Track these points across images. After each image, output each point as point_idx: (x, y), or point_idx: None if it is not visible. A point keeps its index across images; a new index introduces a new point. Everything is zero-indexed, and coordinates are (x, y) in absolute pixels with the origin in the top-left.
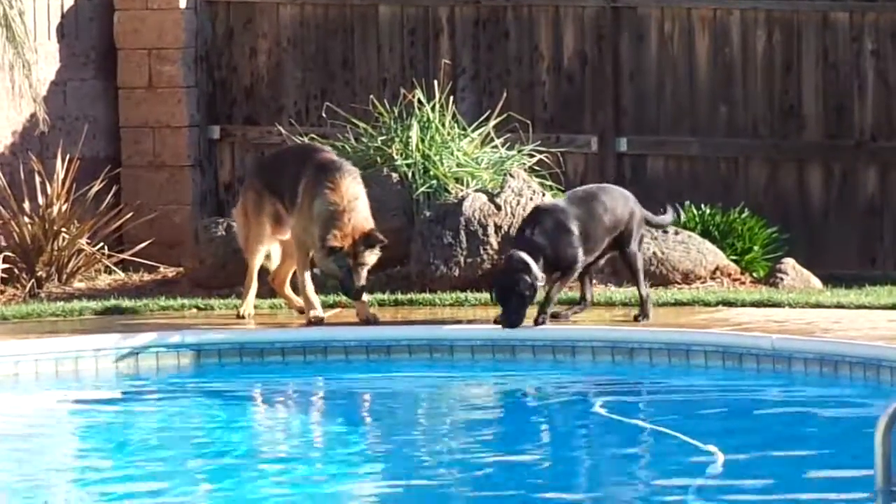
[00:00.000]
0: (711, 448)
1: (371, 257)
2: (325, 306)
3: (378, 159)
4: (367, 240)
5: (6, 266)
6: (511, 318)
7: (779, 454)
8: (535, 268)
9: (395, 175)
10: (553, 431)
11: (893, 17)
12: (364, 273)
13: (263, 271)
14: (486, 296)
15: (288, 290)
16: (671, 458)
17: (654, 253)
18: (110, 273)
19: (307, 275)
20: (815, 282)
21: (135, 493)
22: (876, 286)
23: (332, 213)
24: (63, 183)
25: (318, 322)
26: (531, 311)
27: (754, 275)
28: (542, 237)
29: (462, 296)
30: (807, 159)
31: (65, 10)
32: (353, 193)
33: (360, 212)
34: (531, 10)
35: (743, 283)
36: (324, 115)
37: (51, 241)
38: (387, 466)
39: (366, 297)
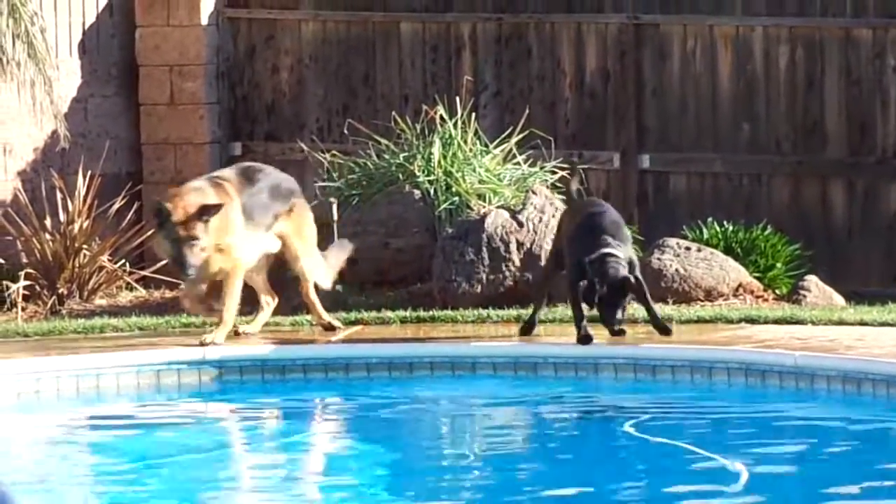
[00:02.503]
0: (738, 465)
1: (200, 231)
2: (347, 323)
3: (400, 176)
4: (198, 210)
5: (28, 283)
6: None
7: (802, 472)
8: None
9: (417, 192)
10: (577, 449)
11: None
12: (195, 249)
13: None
14: (508, 312)
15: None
16: (697, 475)
17: (677, 270)
18: (132, 290)
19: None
20: (838, 299)
21: None
22: None
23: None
24: (84, 200)
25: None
26: (550, 328)
27: (777, 292)
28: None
29: (484, 312)
30: (829, 176)
31: (86, 26)
32: (197, 183)
33: (193, 193)
34: (553, 27)
35: (766, 300)
36: (346, 131)
37: (72, 257)
38: (409, 484)
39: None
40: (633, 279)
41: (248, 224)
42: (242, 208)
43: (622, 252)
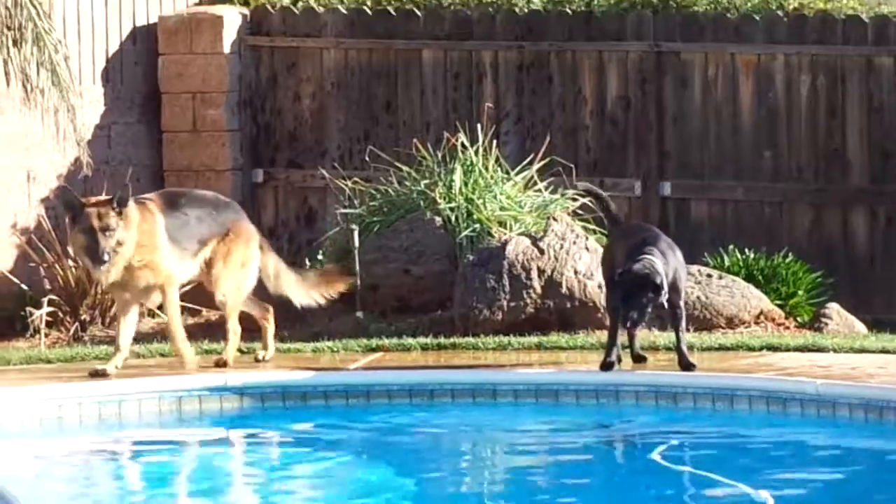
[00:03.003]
0: (763, 494)
1: (112, 220)
2: (367, 350)
3: (421, 203)
4: (111, 197)
5: (51, 309)
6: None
7: (824, 499)
8: None
9: (438, 219)
10: (597, 477)
11: None
12: (110, 239)
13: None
14: (529, 339)
15: None
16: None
17: (698, 297)
18: (153, 316)
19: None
20: (860, 326)
21: None
22: None
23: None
24: None
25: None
26: (571, 355)
27: (798, 319)
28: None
29: (505, 340)
30: (851, 204)
31: (110, 54)
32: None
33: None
34: (574, 55)
35: (787, 327)
36: (367, 158)
37: (94, 284)
38: None
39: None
40: (658, 283)
41: (173, 246)
42: (166, 228)
43: (663, 264)
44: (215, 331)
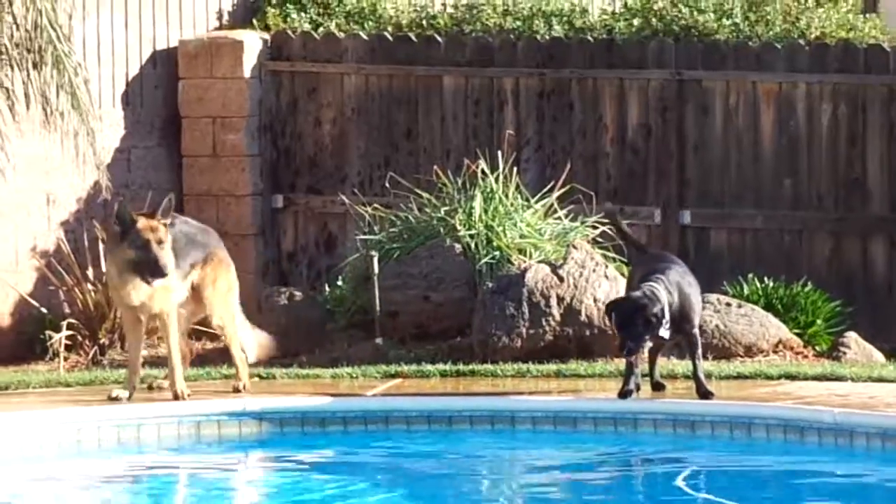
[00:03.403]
0: None
1: (163, 231)
2: (386, 376)
3: (441, 230)
4: (154, 208)
5: (70, 333)
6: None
7: None
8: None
9: (457, 246)
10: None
11: None
12: (163, 251)
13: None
14: (548, 367)
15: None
16: None
17: (717, 326)
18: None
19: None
20: (878, 356)
21: None
22: None
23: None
24: None
25: (116, 400)
26: (590, 383)
27: (817, 348)
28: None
29: (524, 367)
30: (871, 233)
31: (130, 78)
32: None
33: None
34: (595, 82)
35: (805, 356)
36: (387, 184)
37: (114, 308)
38: None
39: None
40: (655, 311)
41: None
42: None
43: (667, 293)
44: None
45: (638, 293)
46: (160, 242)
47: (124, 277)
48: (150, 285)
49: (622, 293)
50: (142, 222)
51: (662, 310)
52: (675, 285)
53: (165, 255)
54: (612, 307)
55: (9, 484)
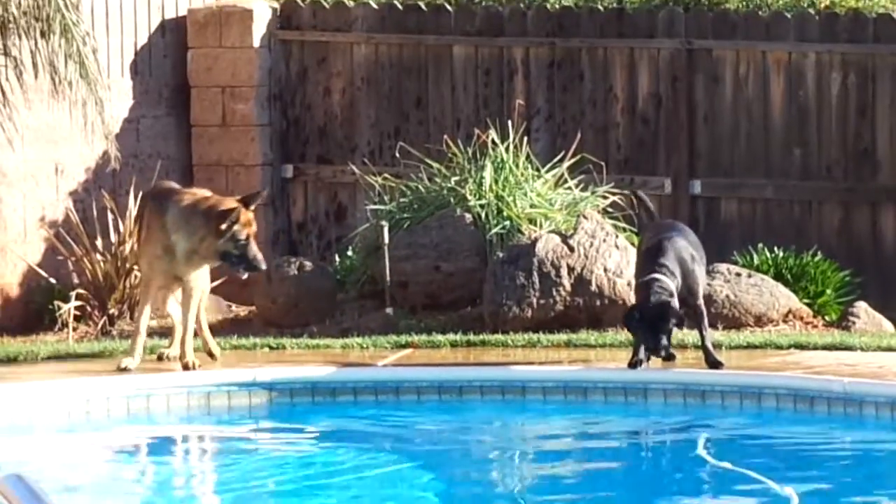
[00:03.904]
0: (788, 490)
1: (254, 223)
2: (397, 346)
3: (451, 200)
4: (250, 200)
5: (79, 303)
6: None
7: (850, 498)
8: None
9: (468, 215)
10: (622, 474)
11: None
12: (255, 244)
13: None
14: (558, 336)
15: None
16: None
17: (727, 296)
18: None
19: (141, 317)
20: (888, 325)
21: None
22: None
23: (195, 202)
24: (135, 220)
25: (125, 370)
26: (600, 353)
27: (826, 318)
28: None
29: (535, 337)
30: (880, 202)
31: (138, 47)
32: (198, 189)
33: (216, 194)
34: (606, 52)
35: (815, 326)
36: (397, 154)
37: (123, 278)
38: None
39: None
40: (674, 305)
41: None
42: None
43: (672, 280)
44: (243, 326)
45: (654, 297)
46: (255, 237)
47: (196, 259)
48: (240, 276)
49: (632, 262)
50: (243, 216)
51: (676, 302)
52: (677, 263)
53: (257, 249)
54: (637, 316)
55: (18, 454)
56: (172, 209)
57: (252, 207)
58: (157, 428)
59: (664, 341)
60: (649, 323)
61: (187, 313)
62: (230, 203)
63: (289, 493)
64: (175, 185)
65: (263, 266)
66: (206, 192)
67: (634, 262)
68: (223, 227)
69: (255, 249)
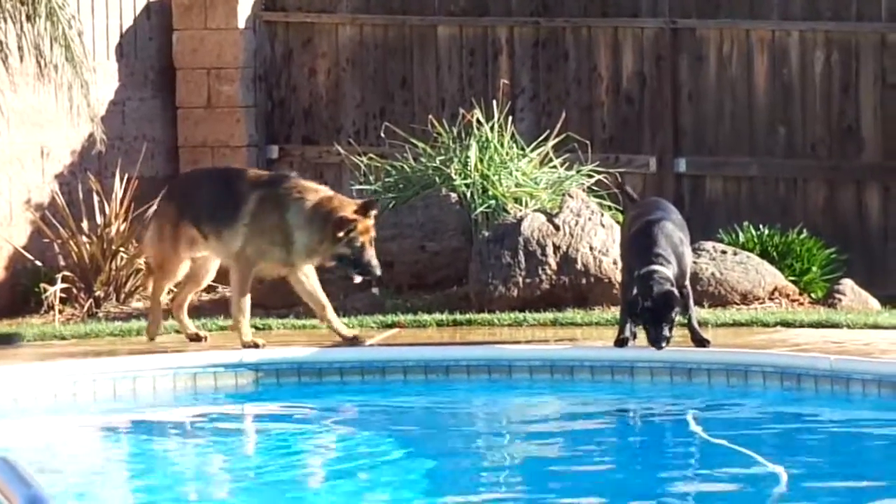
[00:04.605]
0: (777, 468)
1: (373, 228)
2: (384, 326)
3: (437, 179)
4: (369, 208)
5: (65, 286)
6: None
7: (836, 475)
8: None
9: (453, 195)
10: (608, 451)
11: None
12: (371, 250)
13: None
14: (544, 315)
15: (185, 314)
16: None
17: (713, 273)
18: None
19: (246, 299)
20: (874, 303)
21: None
22: None
23: (319, 204)
24: (121, 202)
25: (255, 346)
26: (587, 331)
27: (812, 296)
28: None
29: (520, 316)
30: (865, 180)
31: (124, 29)
32: (319, 186)
33: (337, 194)
34: (590, 31)
35: (801, 303)
36: (382, 134)
37: (109, 260)
38: (445, 488)
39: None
40: (676, 294)
41: None
42: None
43: (669, 268)
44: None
45: (657, 287)
46: (373, 243)
47: (314, 257)
48: (352, 280)
49: (617, 241)
50: (361, 224)
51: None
52: (671, 249)
53: (373, 255)
54: (643, 305)
55: (3, 437)
56: (295, 207)
57: (371, 214)
58: (143, 409)
59: (667, 332)
60: (653, 313)
61: (320, 292)
62: (350, 211)
63: (275, 472)
64: (290, 176)
65: (378, 272)
66: (327, 192)
67: (620, 241)
68: (340, 234)
69: (370, 255)
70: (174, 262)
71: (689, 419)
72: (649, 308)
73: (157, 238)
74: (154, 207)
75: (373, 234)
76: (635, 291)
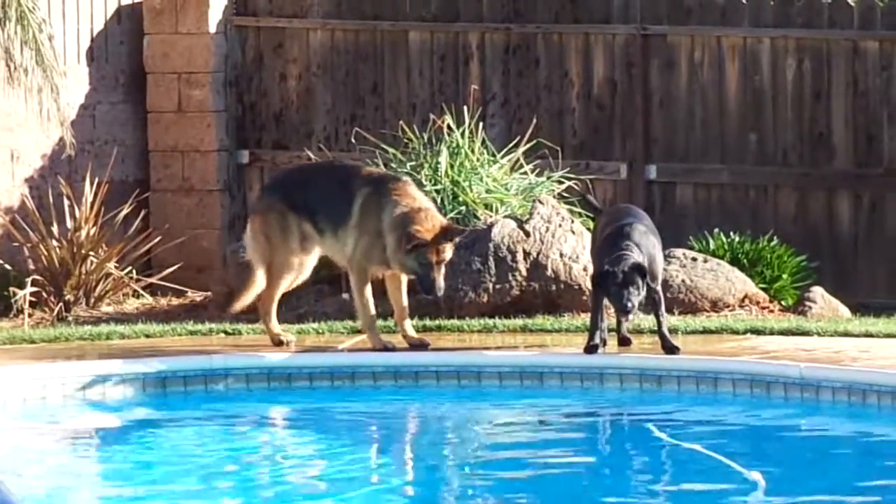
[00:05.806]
0: (755, 475)
1: (450, 251)
2: (353, 332)
3: None
4: (448, 233)
5: (34, 289)
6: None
7: (806, 482)
8: None
9: None
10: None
11: None
12: (443, 270)
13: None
14: (514, 321)
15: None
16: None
17: (683, 280)
18: (138, 297)
19: (367, 295)
20: (844, 310)
21: None
22: None
23: (407, 213)
24: (91, 206)
25: (391, 349)
26: (556, 338)
27: (783, 303)
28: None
29: (490, 322)
30: (836, 188)
31: (94, 34)
32: (422, 196)
33: (433, 210)
34: (561, 38)
35: (771, 311)
36: (353, 140)
37: (79, 264)
38: (413, 494)
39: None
40: (646, 268)
41: None
42: None
43: (640, 257)
44: (198, 312)
45: (622, 263)
46: (441, 262)
47: (395, 263)
48: (422, 294)
49: (588, 248)
50: (435, 246)
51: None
52: (643, 248)
53: (441, 275)
54: (609, 271)
55: None
56: (389, 209)
57: (452, 240)
58: (112, 413)
59: (634, 299)
60: (621, 278)
61: (404, 298)
62: (428, 229)
63: (243, 477)
64: (400, 178)
65: (440, 294)
66: (424, 204)
67: (590, 247)
68: (408, 247)
69: (435, 275)
70: (288, 257)
71: (658, 428)
72: (616, 272)
73: (266, 234)
74: (255, 203)
75: (446, 257)
76: (605, 266)
